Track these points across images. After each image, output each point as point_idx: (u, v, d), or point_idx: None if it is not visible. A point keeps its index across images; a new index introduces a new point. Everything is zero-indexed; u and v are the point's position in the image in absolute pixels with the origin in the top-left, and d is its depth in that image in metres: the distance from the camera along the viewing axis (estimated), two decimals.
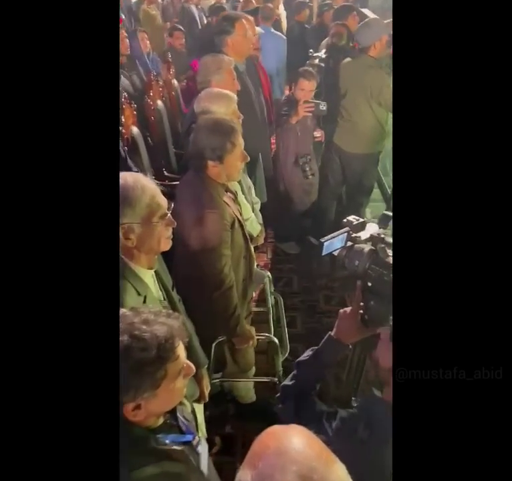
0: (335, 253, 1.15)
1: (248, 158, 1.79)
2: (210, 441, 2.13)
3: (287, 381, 1.16)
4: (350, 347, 1.21)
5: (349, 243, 1.16)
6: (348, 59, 3.13)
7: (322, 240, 1.11)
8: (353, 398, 1.37)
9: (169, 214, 1.28)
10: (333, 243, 1.13)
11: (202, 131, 1.69)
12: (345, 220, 1.18)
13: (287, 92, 4.05)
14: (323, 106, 2.88)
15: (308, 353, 1.17)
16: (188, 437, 1.04)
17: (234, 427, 2.25)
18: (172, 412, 1.03)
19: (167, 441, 0.96)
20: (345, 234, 1.14)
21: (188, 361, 0.98)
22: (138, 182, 1.22)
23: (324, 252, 1.12)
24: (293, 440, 0.61)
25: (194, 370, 0.99)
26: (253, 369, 2.18)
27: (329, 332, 1.18)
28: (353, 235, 1.16)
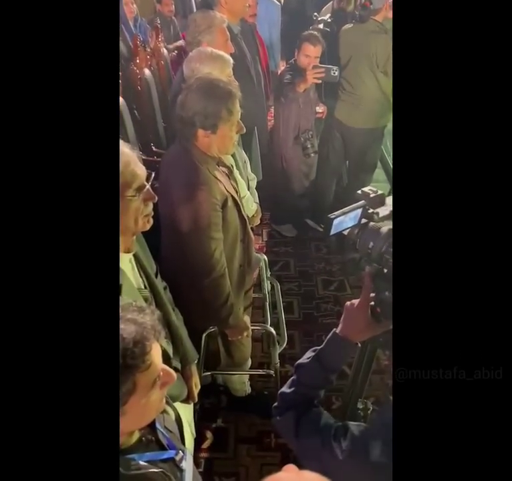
0: (346, 232, 0.96)
1: (244, 130, 1.57)
2: (201, 436, 2.01)
3: (286, 388, 0.97)
4: (359, 345, 1.05)
5: (364, 220, 0.97)
6: (349, 25, 2.88)
7: (331, 216, 0.91)
8: (360, 400, 1.22)
9: (148, 187, 1.07)
10: (345, 221, 0.93)
11: (194, 93, 1.42)
12: (360, 192, 0.98)
13: (282, 66, 3.80)
14: (334, 71, 2.55)
15: (309, 355, 0.99)
16: (170, 453, 0.88)
17: (226, 420, 2.13)
18: (150, 425, 0.86)
19: (141, 463, 0.79)
20: (360, 209, 0.95)
21: (167, 367, 0.79)
22: None
23: (333, 232, 0.93)
24: None
25: (175, 377, 0.81)
26: (249, 362, 2.03)
27: (334, 329, 0.99)
28: (370, 211, 0.97)
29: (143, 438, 0.83)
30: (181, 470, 0.89)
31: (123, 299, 0.81)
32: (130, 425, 0.79)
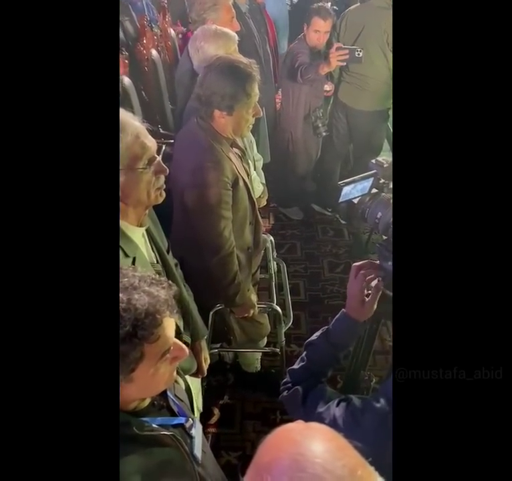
0: (355, 201, 0.98)
1: (261, 113, 1.56)
2: (208, 412, 2.06)
3: (295, 366, 1.01)
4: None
5: (375, 190, 0.98)
6: (356, 5, 2.82)
7: (341, 183, 0.92)
8: (362, 372, 1.25)
9: (159, 159, 1.07)
10: (354, 189, 0.94)
11: (214, 73, 1.41)
12: (373, 161, 0.99)
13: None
14: (359, 52, 2.43)
15: (318, 334, 1.02)
16: (180, 420, 0.91)
17: (233, 397, 2.17)
18: (162, 392, 0.89)
19: (154, 425, 0.83)
20: (371, 179, 0.96)
21: (179, 342, 0.81)
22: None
23: (341, 199, 0.94)
24: (316, 447, 0.45)
25: (187, 353, 0.82)
26: (265, 340, 2.06)
27: (343, 309, 1.02)
28: (381, 181, 0.97)
29: (155, 402, 0.86)
30: (191, 437, 0.92)
31: (140, 271, 0.81)
32: (138, 393, 0.81)
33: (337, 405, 0.89)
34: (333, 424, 0.86)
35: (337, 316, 1.03)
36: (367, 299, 1.00)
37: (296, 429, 0.49)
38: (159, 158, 1.07)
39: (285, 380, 1.04)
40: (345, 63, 2.55)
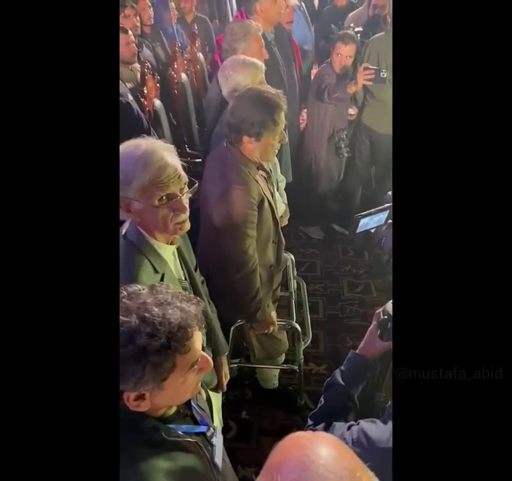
0: (372, 230, 1.04)
1: (287, 139, 1.65)
2: (225, 427, 2.09)
3: (316, 410, 1.08)
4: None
5: (390, 221, 1.04)
6: (380, 34, 2.92)
7: (358, 216, 0.99)
8: (377, 394, 1.28)
9: (180, 198, 1.09)
10: (370, 221, 1.01)
11: (244, 102, 1.52)
12: (390, 193, 1.05)
13: (314, 71, 3.85)
14: (384, 73, 2.59)
15: (336, 377, 1.09)
16: (203, 428, 0.96)
17: (251, 413, 2.20)
18: (186, 401, 0.94)
19: (180, 432, 0.88)
20: (387, 211, 1.02)
21: (206, 355, 0.86)
22: (144, 157, 1.05)
23: (358, 230, 1.01)
24: (321, 451, 0.51)
25: (212, 365, 0.88)
26: (283, 357, 2.10)
27: (353, 351, 1.10)
28: None
29: (180, 411, 0.92)
30: (212, 445, 0.97)
31: (172, 288, 0.88)
32: (167, 401, 0.87)
33: (348, 429, 0.94)
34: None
35: (349, 356, 1.10)
36: (383, 342, 1.04)
37: (304, 436, 0.55)
38: (181, 196, 1.10)
39: (307, 424, 1.09)
40: (371, 83, 2.68)
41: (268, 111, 1.50)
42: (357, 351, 1.10)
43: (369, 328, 1.10)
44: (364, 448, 0.87)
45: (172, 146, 1.13)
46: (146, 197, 1.07)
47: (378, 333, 1.02)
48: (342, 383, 1.07)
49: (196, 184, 1.14)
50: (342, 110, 2.89)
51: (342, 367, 1.11)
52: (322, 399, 1.09)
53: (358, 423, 0.95)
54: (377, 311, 1.06)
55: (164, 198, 1.09)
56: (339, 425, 0.99)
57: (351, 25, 3.57)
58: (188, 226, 1.17)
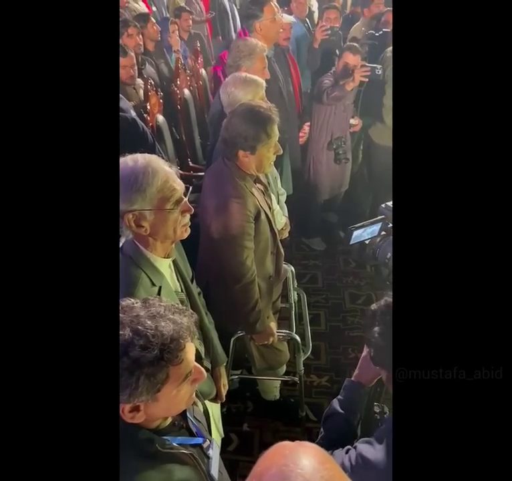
0: (367, 241, 1.07)
1: (281, 151, 1.68)
2: (226, 439, 2.08)
3: (317, 441, 1.10)
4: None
5: (383, 233, 1.06)
6: (389, 47, 2.98)
7: (351, 228, 1.02)
8: (375, 403, 1.29)
9: (185, 200, 1.18)
10: (364, 233, 1.04)
11: (237, 118, 1.57)
12: (383, 206, 1.08)
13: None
14: (379, 70, 2.74)
15: (334, 406, 1.11)
16: (198, 440, 0.97)
17: (252, 425, 2.19)
18: (182, 413, 0.96)
19: (175, 444, 0.89)
20: (380, 223, 1.05)
21: (199, 366, 0.88)
22: (149, 166, 1.12)
23: (352, 242, 1.04)
24: (301, 461, 0.52)
25: (205, 376, 0.90)
26: (284, 368, 2.11)
27: (347, 378, 1.13)
28: (390, 225, 1.06)
29: (175, 422, 0.93)
30: (208, 457, 0.98)
31: (165, 300, 0.90)
32: (162, 412, 0.88)
33: (346, 452, 0.96)
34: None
35: (345, 384, 1.13)
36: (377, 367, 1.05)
37: (288, 445, 0.56)
38: (185, 199, 1.18)
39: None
40: (367, 79, 2.77)
41: (260, 125, 1.55)
42: (353, 378, 1.12)
43: (362, 354, 1.11)
44: (363, 473, 0.88)
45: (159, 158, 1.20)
46: (161, 202, 1.13)
47: (371, 356, 1.04)
48: (341, 411, 1.09)
49: (190, 187, 1.21)
50: (342, 117, 2.94)
51: (340, 396, 1.13)
52: (322, 430, 1.10)
53: (355, 448, 0.96)
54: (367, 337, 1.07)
55: (175, 201, 1.16)
56: (338, 453, 1.00)
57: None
58: (189, 229, 1.24)
